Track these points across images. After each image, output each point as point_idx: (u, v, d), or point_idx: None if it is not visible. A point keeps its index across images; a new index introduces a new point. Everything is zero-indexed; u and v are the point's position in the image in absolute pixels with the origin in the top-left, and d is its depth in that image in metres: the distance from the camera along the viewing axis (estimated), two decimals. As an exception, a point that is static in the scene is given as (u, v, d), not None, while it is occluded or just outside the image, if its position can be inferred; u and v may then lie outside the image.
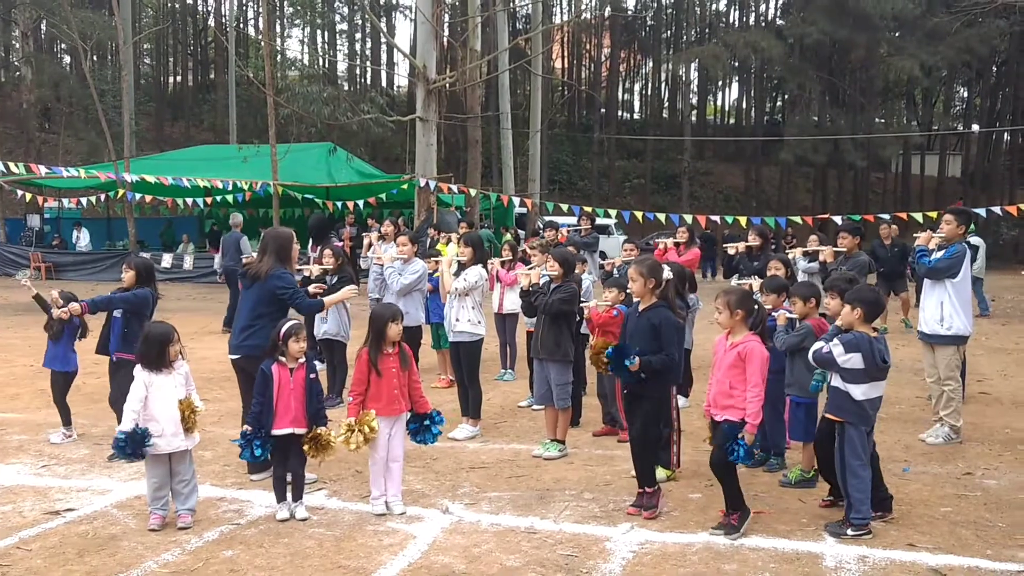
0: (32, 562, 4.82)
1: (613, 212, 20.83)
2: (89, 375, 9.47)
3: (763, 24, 46.79)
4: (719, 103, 61.41)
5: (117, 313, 6.88)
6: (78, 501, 5.87)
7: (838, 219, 15.91)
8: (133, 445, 5.19)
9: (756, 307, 5.55)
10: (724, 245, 10.29)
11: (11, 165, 18.94)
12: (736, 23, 50.92)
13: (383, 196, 23.56)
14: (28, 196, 25.04)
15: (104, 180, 24.47)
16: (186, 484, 5.44)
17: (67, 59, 45.72)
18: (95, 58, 38.69)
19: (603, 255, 14.41)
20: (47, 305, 7.22)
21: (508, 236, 19.75)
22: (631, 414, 5.78)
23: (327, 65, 48.85)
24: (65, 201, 29.97)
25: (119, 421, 6.78)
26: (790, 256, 9.27)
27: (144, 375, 5.36)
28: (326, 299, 6.90)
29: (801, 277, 9.66)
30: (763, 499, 5.88)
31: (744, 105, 57.36)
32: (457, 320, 7.66)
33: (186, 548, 5.02)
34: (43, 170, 20.43)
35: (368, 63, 50.61)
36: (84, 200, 24.19)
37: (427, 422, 5.76)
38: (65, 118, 38.01)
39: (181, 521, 5.35)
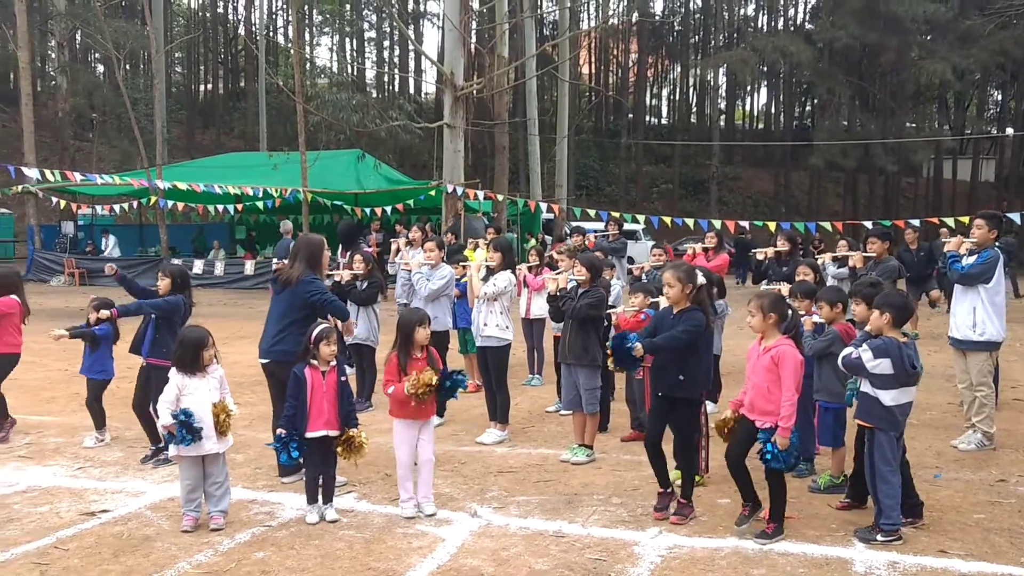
0: (69, 561, 4.91)
1: (641, 217, 20.81)
2: (122, 379, 9.60)
3: (792, 28, 46.58)
4: (747, 108, 61.23)
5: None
6: (113, 502, 5.96)
7: (868, 224, 15.79)
8: (183, 429, 5.27)
9: (790, 311, 5.54)
10: (752, 251, 10.26)
11: (47, 172, 19.25)
12: (764, 28, 50.72)
13: (411, 202, 23.69)
14: (62, 203, 25.44)
15: (137, 187, 24.82)
16: (219, 486, 5.52)
17: (101, 68, 46.45)
18: (128, 67, 39.19)
19: (631, 260, 14.39)
20: (85, 332, 7.33)
21: (532, 242, 19.78)
22: (660, 420, 5.75)
23: (356, 72, 49.23)
24: (98, 208, 30.47)
25: (142, 425, 6.93)
26: (819, 261, 9.23)
27: (178, 378, 5.45)
28: (347, 323, 7.03)
29: (831, 283, 9.60)
30: (792, 504, 5.84)
31: (773, 110, 57.06)
32: (485, 325, 7.70)
33: (218, 549, 5.09)
34: (78, 177, 20.76)
35: (396, 70, 50.91)
36: (117, 207, 24.52)
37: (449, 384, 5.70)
38: (99, 126, 38.59)
39: (213, 523, 5.43)
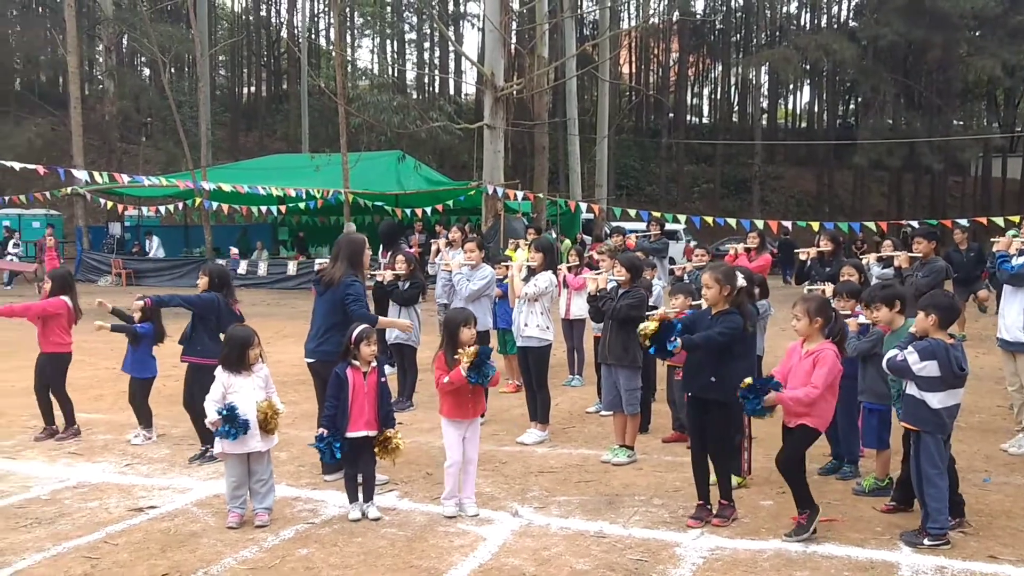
0: (119, 556, 5.01)
1: (682, 217, 20.69)
2: (168, 377, 9.76)
3: (835, 26, 45.95)
4: (790, 107, 60.58)
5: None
6: (160, 499, 6.07)
7: (914, 223, 15.56)
8: (229, 423, 5.35)
9: (834, 316, 5.48)
10: (795, 251, 10.15)
11: (96, 174, 19.62)
12: (807, 25, 50.15)
13: (450, 203, 23.79)
14: (109, 204, 25.90)
15: (182, 188, 25.20)
16: (263, 484, 5.59)
17: (147, 72, 47.19)
18: (173, 71, 39.88)
19: (672, 260, 14.32)
20: (126, 327, 7.49)
21: (567, 243, 19.73)
22: (697, 425, 5.69)
23: (396, 74, 49.48)
24: (144, 209, 30.98)
25: (193, 422, 7.04)
26: (863, 262, 9.10)
27: (224, 376, 5.54)
28: (381, 319, 7.03)
29: (875, 284, 9.47)
30: (836, 507, 5.80)
31: (816, 108, 56.43)
32: (526, 325, 7.71)
33: (263, 546, 5.16)
34: (126, 179, 21.14)
35: (436, 72, 51.14)
36: (162, 208, 24.91)
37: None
38: (145, 129, 39.24)
39: (258, 519, 5.50)
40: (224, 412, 5.37)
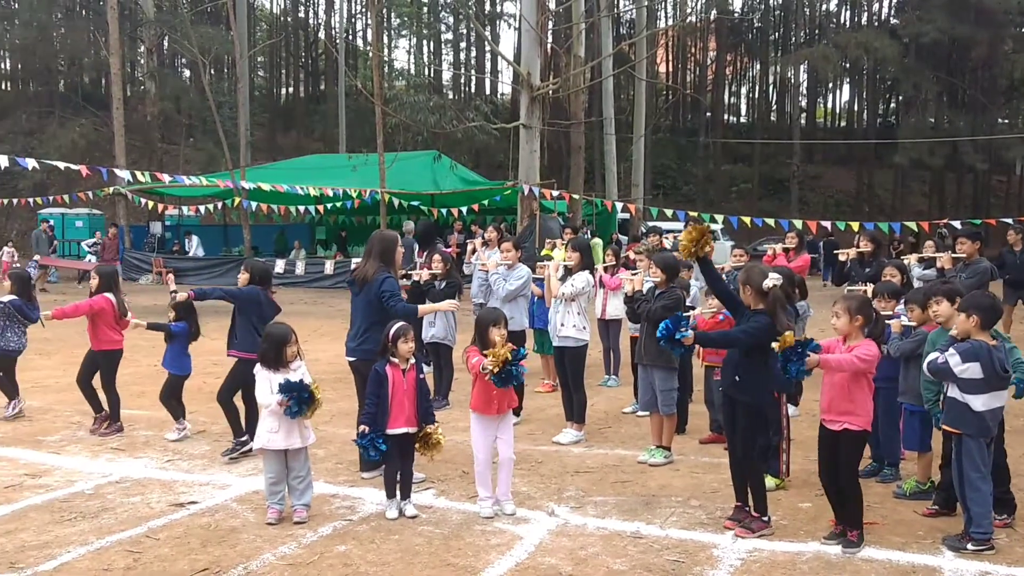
0: (160, 550, 5.09)
1: (720, 217, 20.54)
2: (208, 375, 9.90)
3: (876, 24, 45.40)
4: (829, 105, 59.91)
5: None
6: (200, 494, 6.15)
7: (956, 224, 15.31)
8: (297, 396, 5.39)
9: (875, 316, 5.40)
10: (834, 251, 10.04)
11: (138, 174, 19.92)
12: (847, 23, 49.58)
13: (486, 203, 23.82)
14: (150, 204, 26.28)
15: (222, 188, 25.50)
16: (301, 480, 5.64)
17: (187, 73, 47.83)
18: (213, 72, 40.35)
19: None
20: (162, 325, 7.63)
21: (599, 242, 19.65)
22: (730, 425, 5.62)
23: (433, 74, 49.68)
24: (184, 209, 31.39)
25: (226, 415, 7.13)
26: (905, 263, 8.97)
27: (264, 373, 5.60)
28: (421, 307, 7.03)
29: (916, 285, 9.34)
30: (876, 510, 5.72)
31: (856, 107, 55.79)
32: (562, 325, 7.70)
33: (302, 542, 5.21)
34: (167, 178, 21.44)
35: (473, 71, 51.25)
36: (202, 208, 25.20)
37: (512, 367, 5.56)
38: (185, 129, 39.76)
39: (297, 516, 5.55)
40: (286, 384, 5.40)
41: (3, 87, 51.07)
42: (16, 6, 44.49)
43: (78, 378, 8.05)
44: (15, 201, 26.22)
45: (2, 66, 49.74)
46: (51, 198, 27.60)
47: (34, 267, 21.76)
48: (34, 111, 42.89)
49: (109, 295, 7.94)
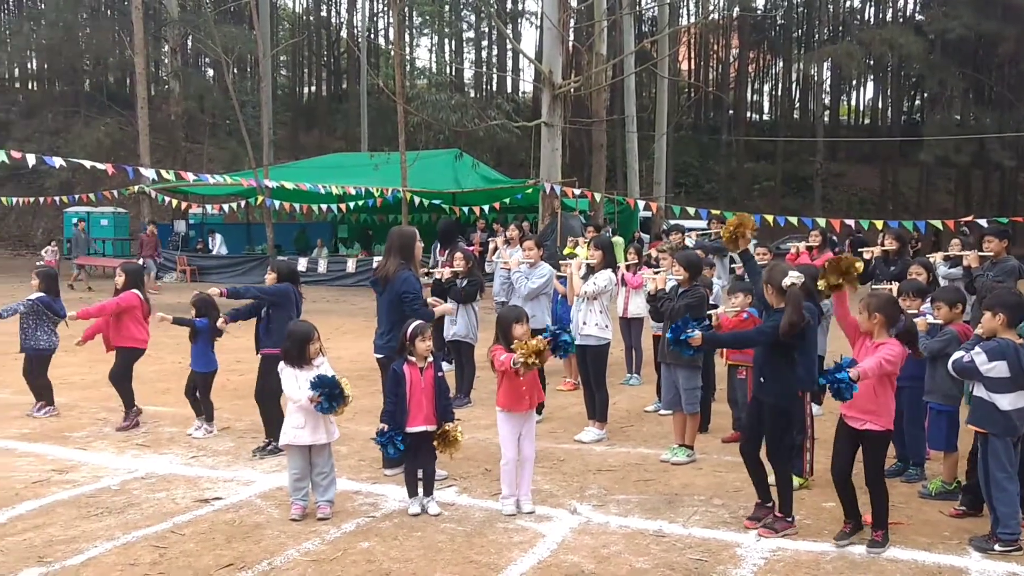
0: (185, 546, 5.13)
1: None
2: (232, 372, 9.98)
3: (900, 20, 45.02)
4: (853, 103, 59.45)
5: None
6: (225, 490, 6.20)
7: (982, 222, 15.15)
8: (328, 392, 5.41)
9: (900, 315, 5.33)
10: (859, 250, 9.96)
11: (163, 172, 20.07)
12: (871, 20, 49.19)
13: (507, 201, 23.82)
14: (174, 203, 26.49)
15: (246, 187, 25.66)
16: (325, 476, 5.67)
17: (211, 72, 48.17)
18: (236, 71, 40.57)
19: (732, 260, 14.12)
20: (187, 321, 7.69)
21: (619, 240, 19.59)
22: (755, 426, 5.52)
23: (454, 73, 49.76)
24: (208, 207, 31.60)
25: (262, 415, 7.18)
26: (931, 260, 8.88)
27: (288, 371, 5.63)
28: (436, 309, 7.04)
29: (942, 283, 9.24)
30: (901, 510, 5.68)
31: (880, 104, 55.34)
32: (584, 323, 7.69)
33: (325, 538, 5.24)
34: (192, 177, 21.59)
35: (494, 70, 51.26)
36: (226, 206, 25.32)
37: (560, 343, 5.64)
38: (208, 128, 40.05)
39: (320, 512, 5.59)
40: (318, 380, 5.41)
41: (30, 87, 51.65)
42: (43, 7, 44.99)
43: (111, 375, 8.12)
44: (42, 200, 26.49)
45: (29, 66, 50.24)
46: (77, 197, 27.88)
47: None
48: (60, 110, 43.36)
49: (137, 291, 8.02)
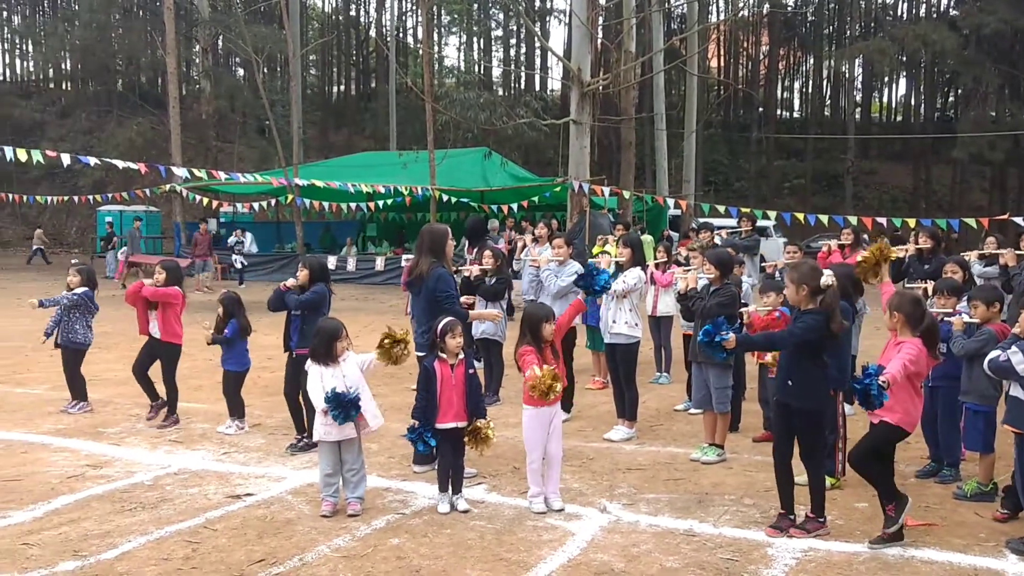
0: (218, 541, 5.18)
1: (772, 213, 20.27)
2: (263, 369, 10.04)
3: (934, 15, 44.39)
4: (885, 100, 58.70)
5: (296, 312, 7.25)
6: (256, 487, 6.24)
7: (1019, 220, 14.92)
8: (339, 404, 5.44)
9: (924, 315, 5.26)
10: (892, 248, 9.83)
11: (195, 171, 20.26)
12: (904, 15, 48.58)
13: (536, 199, 23.80)
14: (205, 201, 26.74)
15: (276, 185, 25.85)
16: (355, 473, 5.70)
17: (241, 72, 48.51)
18: (266, 70, 40.86)
19: (763, 258, 14.04)
20: (219, 340, 7.79)
21: (648, 238, 19.50)
22: (785, 432, 5.36)
23: (483, 71, 49.78)
24: (239, 206, 31.86)
25: (291, 412, 7.23)
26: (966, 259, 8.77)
27: (315, 368, 5.67)
28: (471, 312, 7.04)
29: (979, 282, 9.12)
30: (935, 511, 5.62)
31: (912, 101, 54.54)
32: (614, 322, 7.67)
33: (356, 535, 5.26)
34: (223, 176, 21.77)
35: (523, 68, 51.22)
36: (256, 205, 25.48)
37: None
38: (239, 127, 40.36)
39: (351, 508, 5.62)
40: (333, 396, 5.45)
41: (64, 87, 52.35)
42: (76, 8, 45.56)
43: (134, 367, 8.24)
44: (76, 199, 26.85)
45: (63, 66, 50.88)
46: (110, 195, 28.20)
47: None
48: (93, 110, 43.93)
49: (179, 288, 8.14)
